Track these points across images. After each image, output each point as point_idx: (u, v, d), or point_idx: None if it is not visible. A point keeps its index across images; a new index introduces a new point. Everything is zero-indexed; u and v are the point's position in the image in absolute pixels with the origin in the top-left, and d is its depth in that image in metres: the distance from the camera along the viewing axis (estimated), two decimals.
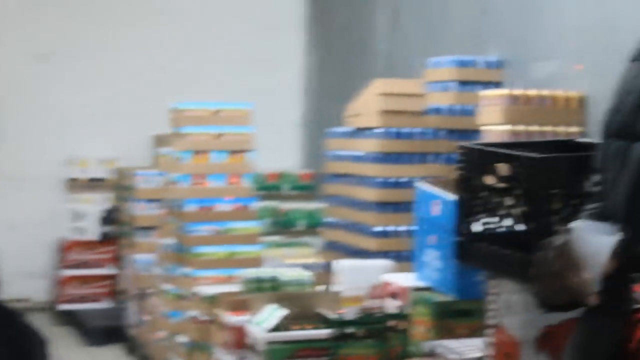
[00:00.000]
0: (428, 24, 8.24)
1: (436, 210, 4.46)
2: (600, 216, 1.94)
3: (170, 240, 7.47)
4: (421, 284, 4.58)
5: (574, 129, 6.14)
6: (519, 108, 6.13)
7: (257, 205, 7.50)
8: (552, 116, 6.16)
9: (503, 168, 2.94)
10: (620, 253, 1.79)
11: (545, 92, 6.24)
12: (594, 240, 1.78)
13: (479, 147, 3.06)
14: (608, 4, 5.98)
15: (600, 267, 1.78)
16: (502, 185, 2.96)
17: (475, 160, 3.06)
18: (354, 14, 9.71)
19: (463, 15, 7.69)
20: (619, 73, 5.63)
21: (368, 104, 7.08)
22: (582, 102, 6.18)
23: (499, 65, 6.97)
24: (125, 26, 10.33)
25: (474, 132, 6.53)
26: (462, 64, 6.91)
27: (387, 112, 6.91)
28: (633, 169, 1.83)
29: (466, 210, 3.12)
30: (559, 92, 6.23)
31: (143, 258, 8.53)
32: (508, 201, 2.95)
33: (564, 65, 6.42)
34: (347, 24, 9.85)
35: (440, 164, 6.75)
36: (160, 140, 8.63)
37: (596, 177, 2.06)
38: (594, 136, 6.24)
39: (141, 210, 8.89)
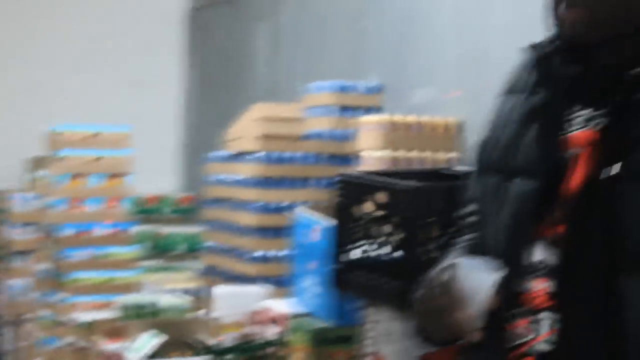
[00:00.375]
0: (308, 49, 8.26)
1: (315, 236, 4.44)
2: (479, 249, 1.94)
3: (46, 265, 7.32)
4: (300, 310, 4.56)
5: (452, 155, 6.20)
6: (398, 134, 6.16)
7: (135, 229, 7.40)
8: (430, 142, 6.20)
9: (380, 196, 2.95)
10: (502, 290, 1.79)
11: (424, 118, 6.29)
12: (476, 277, 1.78)
13: (356, 175, 3.06)
14: (484, 32, 6.07)
15: (483, 304, 1.78)
16: (379, 213, 2.96)
17: (353, 188, 3.06)
18: (234, 38, 9.69)
19: (343, 41, 7.73)
20: (494, 100, 5.74)
21: (248, 128, 7.05)
22: (459, 128, 6.25)
23: (378, 90, 7.00)
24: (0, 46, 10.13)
25: (353, 157, 6.55)
26: (342, 89, 6.93)
27: (266, 137, 6.89)
28: (511, 206, 1.83)
29: (344, 237, 3.12)
30: (438, 118, 6.28)
31: (19, 283, 8.33)
32: (386, 229, 2.95)
33: (442, 92, 6.48)
34: (228, 48, 9.82)
35: (321, 188, 6.75)
36: (37, 163, 8.45)
37: (472, 207, 2.06)
38: (472, 163, 6.38)
39: (17, 235, 8.69)
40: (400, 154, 6.11)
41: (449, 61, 6.40)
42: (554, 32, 1.79)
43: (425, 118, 6.28)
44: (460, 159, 6.22)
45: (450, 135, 6.24)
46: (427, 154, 6.16)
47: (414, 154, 6.14)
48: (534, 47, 1.88)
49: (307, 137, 6.98)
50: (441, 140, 6.22)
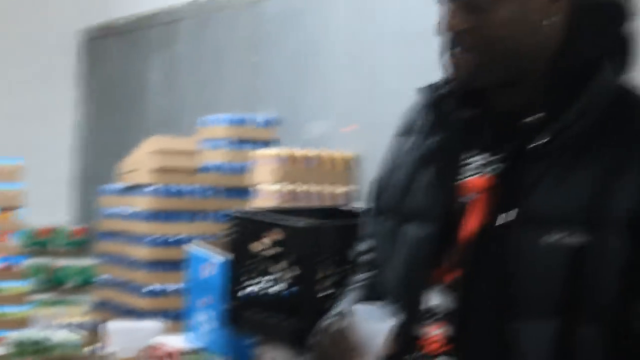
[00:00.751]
0: (203, 81, 8.22)
1: (210, 271, 4.39)
2: (375, 290, 1.92)
3: None
4: (195, 345, 4.50)
5: (348, 188, 6.21)
6: (292, 167, 6.15)
7: (26, 263, 7.23)
8: (325, 175, 6.20)
9: (275, 234, 2.92)
10: (398, 335, 1.77)
11: (319, 151, 6.29)
12: (372, 323, 1.75)
13: (252, 212, 3.03)
14: (378, 66, 6.10)
15: (380, 350, 1.75)
16: (274, 250, 2.93)
17: (249, 225, 3.03)
18: (129, 69, 9.59)
19: (237, 74, 7.71)
20: (386, 134, 5.77)
21: (142, 161, 6.96)
22: (355, 161, 6.26)
23: (272, 123, 6.99)
24: None
25: (248, 191, 6.51)
26: (236, 122, 6.90)
27: (160, 170, 6.81)
28: (406, 250, 1.81)
29: (239, 274, 3.09)
30: (333, 152, 6.29)
31: None
32: (281, 266, 2.93)
33: (337, 125, 6.49)
34: (122, 79, 9.72)
35: (215, 222, 6.69)
36: None
37: (367, 245, 2.04)
38: (368, 201, 6.39)
39: None
40: (296, 187, 6.10)
41: (344, 94, 6.42)
42: (449, 74, 1.78)
43: (320, 151, 6.29)
44: (356, 192, 6.24)
45: (346, 168, 6.24)
46: (323, 188, 6.16)
47: (309, 187, 6.13)
48: (429, 88, 1.86)
49: (202, 170, 6.92)
50: (337, 173, 6.22)
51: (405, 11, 5.72)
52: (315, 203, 6.13)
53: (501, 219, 1.66)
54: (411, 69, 5.68)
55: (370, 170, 6.25)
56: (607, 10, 1.73)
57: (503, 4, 1.64)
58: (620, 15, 1.73)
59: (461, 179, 1.76)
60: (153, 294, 6.70)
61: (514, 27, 1.65)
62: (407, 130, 1.95)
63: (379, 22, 6.06)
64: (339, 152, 6.27)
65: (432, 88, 1.86)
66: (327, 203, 6.09)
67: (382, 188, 1.94)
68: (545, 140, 1.64)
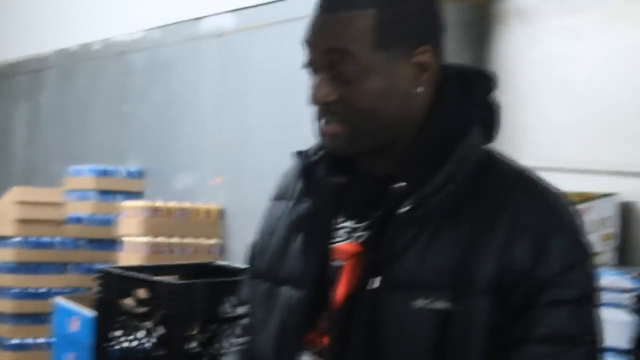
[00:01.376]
0: (68, 131, 8.11)
1: (75, 326, 4.31)
2: (248, 356, 1.92)
3: None
4: None
5: (213, 241, 6.19)
6: (159, 219, 6.10)
7: None
8: (192, 228, 6.17)
9: (142, 292, 2.89)
10: None
11: (185, 203, 6.26)
12: None
13: (118, 269, 2.99)
14: (244, 120, 6.11)
15: None
16: (141, 309, 2.90)
17: (115, 283, 2.99)
18: None
19: (104, 124, 7.63)
20: (253, 187, 5.78)
21: (5, 212, 6.81)
22: (220, 214, 6.25)
23: (139, 175, 6.93)
24: None
25: (114, 243, 6.43)
26: (103, 173, 6.82)
27: (24, 221, 6.68)
28: (278, 314, 1.81)
29: (105, 331, 3.03)
30: (199, 204, 6.26)
31: None
32: (147, 325, 2.89)
33: (203, 178, 6.47)
34: None
35: (81, 274, 6.58)
36: None
37: (243, 309, 2.03)
38: (233, 248, 6.39)
39: None
40: (162, 240, 6.05)
41: (210, 147, 6.41)
42: (320, 142, 1.79)
43: (186, 204, 6.26)
44: (221, 245, 6.21)
45: (212, 221, 6.22)
46: (189, 240, 6.12)
47: (175, 240, 6.08)
48: (301, 154, 1.88)
49: (68, 221, 6.80)
50: (203, 226, 6.19)
51: (276, 63, 5.76)
52: (183, 255, 6.09)
53: (370, 285, 1.67)
54: (280, 122, 5.71)
55: (237, 224, 6.30)
56: (474, 80, 1.77)
57: (371, 76, 1.66)
58: (486, 84, 1.78)
59: (332, 244, 1.78)
60: (16, 347, 6.54)
61: (382, 98, 1.67)
62: (280, 195, 1.96)
63: (248, 74, 6.08)
64: (205, 205, 6.25)
65: (305, 154, 1.87)
66: (195, 256, 6.06)
67: (257, 251, 1.94)
68: (412, 206, 1.66)
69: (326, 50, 1.67)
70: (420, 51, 1.69)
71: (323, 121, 1.72)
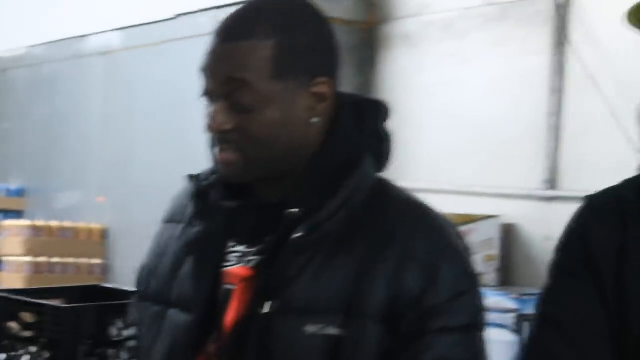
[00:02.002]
0: None
1: None
2: None
3: None
4: None
5: (96, 261, 6.11)
6: (40, 239, 6.01)
7: None
8: (74, 248, 6.09)
9: (26, 316, 2.83)
10: None
11: (67, 223, 6.17)
12: None
13: (2, 293, 2.93)
14: (129, 139, 6.06)
15: None
16: (26, 333, 2.84)
17: (1, 305, 2.92)
18: None
19: None
20: (137, 207, 5.72)
21: None
22: (104, 233, 6.18)
23: (20, 193, 6.81)
24: None
25: None
26: None
27: None
28: (166, 337, 1.80)
29: None
30: (82, 224, 6.19)
31: None
32: (32, 349, 2.83)
33: (87, 196, 6.39)
34: None
35: None
36: None
37: (132, 331, 2.01)
38: (117, 268, 6.31)
39: None
40: (43, 259, 5.95)
41: (95, 166, 6.33)
42: (216, 168, 1.79)
43: (69, 223, 6.17)
44: (105, 265, 6.14)
45: (95, 241, 6.14)
46: (71, 260, 6.03)
47: (57, 259, 5.99)
48: (193, 178, 1.87)
49: None
50: (85, 246, 6.11)
51: (162, 83, 5.72)
52: (64, 276, 6.00)
53: (261, 310, 1.68)
54: (165, 142, 5.67)
55: (121, 243, 6.22)
56: (368, 110, 1.79)
57: (269, 106, 1.66)
58: (380, 114, 1.80)
59: (223, 268, 1.77)
60: None
61: (278, 127, 1.67)
62: (171, 218, 1.94)
63: (134, 93, 6.03)
64: (87, 224, 6.18)
65: (198, 177, 1.86)
66: (77, 276, 5.97)
67: (147, 274, 1.92)
68: (305, 232, 1.67)
69: (224, 80, 1.67)
70: (317, 82, 1.69)
71: (218, 148, 1.72)
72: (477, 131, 4.53)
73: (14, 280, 5.90)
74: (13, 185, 6.86)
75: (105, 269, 6.15)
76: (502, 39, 4.48)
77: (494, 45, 4.52)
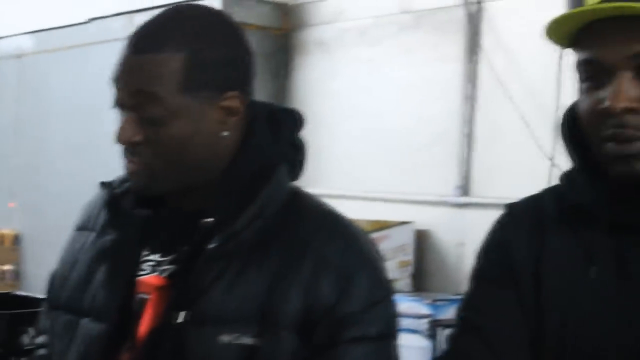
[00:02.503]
0: None
1: None
2: None
3: None
4: None
5: (7, 267, 6.02)
6: None
7: None
8: None
9: None
10: None
11: None
12: None
13: None
14: (44, 142, 5.98)
15: None
16: None
17: None
18: None
19: None
20: (50, 212, 5.65)
21: None
22: (16, 239, 6.08)
23: None
24: None
25: None
26: None
27: None
28: (78, 347, 1.78)
29: None
30: None
31: None
32: None
33: None
34: None
35: None
36: None
37: (41, 339, 1.97)
38: (29, 274, 6.21)
39: None
40: None
41: (6, 171, 6.23)
42: (127, 178, 1.77)
43: None
44: (17, 271, 6.05)
45: (7, 246, 6.05)
46: None
47: None
48: (105, 185, 1.84)
49: None
50: (2, 251, 6.01)
51: (75, 87, 5.64)
52: None
53: (175, 319, 1.66)
54: (79, 146, 5.60)
55: (34, 249, 6.12)
56: (282, 119, 1.79)
57: (177, 120, 1.64)
58: (294, 123, 1.80)
59: (137, 277, 1.75)
60: None
61: (187, 142, 1.66)
62: (82, 226, 1.91)
63: (47, 96, 5.94)
64: (1, 230, 6.08)
65: (110, 185, 1.84)
66: None
67: (58, 282, 1.90)
68: (219, 243, 1.66)
69: (134, 92, 1.65)
70: (227, 96, 1.69)
71: (128, 160, 1.70)
72: (391, 138, 4.54)
73: None
74: None
75: (16, 275, 6.05)
76: (415, 46, 4.50)
77: (408, 52, 4.54)
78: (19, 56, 6.19)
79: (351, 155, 4.70)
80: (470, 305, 1.69)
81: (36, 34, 6.06)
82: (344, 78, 4.78)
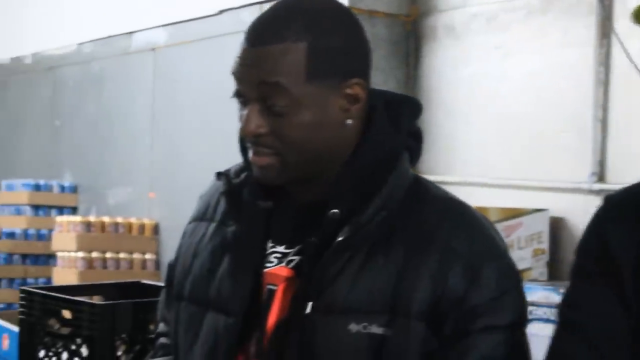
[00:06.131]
0: (1, 146, 7.95)
1: (5, 344, 4.21)
2: None
3: None
4: None
5: (148, 256, 6.11)
6: (93, 234, 6.01)
7: None
8: (126, 243, 6.09)
9: (66, 313, 2.80)
10: None
11: (119, 219, 6.18)
12: None
13: (41, 291, 2.90)
14: (177, 136, 6.06)
15: None
16: (66, 330, 2.81)
17: (38, 303, 2.89)
18: None
19: (37, 139, 7.50)
20: (187, 202, 5.70)
21: None
22: (155, 229, 6.18)
23: (73, 190, 6.83)
24: None
25: (49, 257, 6.34)
26: (36, 188, 6.70)
27: None
28: (205, 340, 1.76)
29: (29, 353, 2.94)
30: (133, 219, 6.19)
31: None
32: (71, 346, 2.80)
33: (136, 192, 6.40)
34: None
35: (15, 289, 6.46)
36: None
37: (163, 328, 1.96)
38: (167, 263, 6.29)
39: None
40: (96, 255, 5.96)
41: (144, 162, 6.33)
42: (251, 173, 1.74)
43: (120, 219, 6.18)
44: (156, 260, 6.15)
45: (147, 236, 6.14)
46: (123, 255, 6.05)
47: (109, 255, 6.01)
48: (222, 175, 1.82)
49: (2, 236, 6.68)
50: (137, 241, 6.10)
51: (207, 78, 5.70)
52: (117, 271, 6.02)
53: (304, 309, 1.64)
54: (212, 136, 5.64)
55: (172, 239, 6.19)
56: (400, 107, 1.74)
57: (302, 109, 1.61)
58: (412, 111, 1.75)
59: (263, 269, 1.73)
60: None
61: (313, 130, 1.63)
62: (201, 216, 1.88)
63: (181, 88, 6.01)
64: (139, 219, 6.19)
65: (229, 175, 1.81)
66: (130, 271, 5.99)
67: (180, 273, 1.88)
68: (348, 235, 1.63)
69: (257, 83, 1.62)
70: (350, 84, 1.64)
71: (252, 151, 1.67)
72: (522, 124, 4.44)
73: (68, 275, 5.91)
74: (65, 182, 6.89)
75: (156, 264, 6.15)
76: (544, 31, 4.39)
77: (537, 37, 4.43)
78: (152, 49, 6.28)
79: (483, 142, 4.61)
80: (570, 303, 1.61)
81: (169, 26, 6.12)
82: (473, 64, 4.69)
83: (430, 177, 1.81)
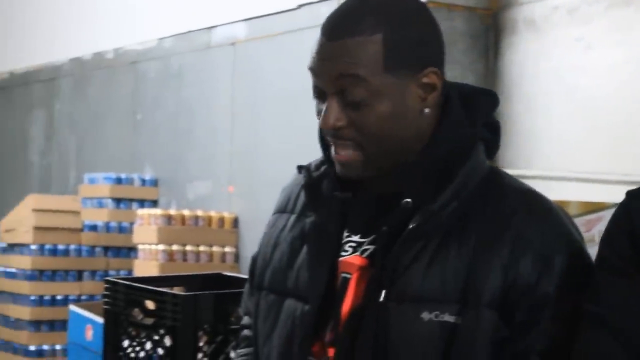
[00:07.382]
0: (83, 139, 8.11)
1: (89, 334, 4.32)
2: None
3: None
4: None
5: (228, 249, 6.18)
6: (173, 227, 6.10)
7: None
8: (206, 236, 6.17)
9: (149, 303, 2.88)
10: None
11: (199, 212, 6.25)
12: None
13: (125, 282, 2.98)
14: (256, 129, 6.11)
15: None
16: (148, 320, 2.88)
17: (122, 294, 2.97)
18: (8, 124, 9.42)
19: (118, 132, 7.62)
20: (266, 196, 5.77)
21: (22, 220, 6.82)
22: (234, 222, 6.24)
23: (154, 183, 6.94)
24: None
25: (130, 250, 6.44)
26: (118, 181, 6.82)
27: (41, 228, 6.68)
28: (283, 327, 1.81)
29: (114, 342, 3.02)
30: (213, 213, 6.26)
31: None
32: (154, 336, 2.87)
33: (216, 186, 6.47)
34: (2, 136, 9.54)
35: (97, 281, 6.59)
36: None
37: (246, 320, 2.03)
38: (248, 257, 6.34)
39: None
40: (176, 247, 6.05)
41: (223, 156, 6.40)
42: (334, 168, 1.79)
43: (200, 212, 6.25)
44: (236, 253, 6.21)
45: (226, 229, 6.21)
46: (203, 248, 6.12)
47: (189, 247, 6.09)
48: (303, 168, 1.87)
49: (82, 229, 6.81)
50: (217, 234, 6.18)
51: (287, 72, 5.74)
52: (197, 264, 6.10)
53: (378, 297, 1.68)
54: (292, 130, 5.70)
55: (251, 232, 6.27)
56: (477, 99, 1.77)
57: (381, 100, 1.65)
58: (488, 103, 1.78)
59: (339, 258, 1.78)
60: (34, 354, 6.55)
61: (392, 121, 1.67)
62: (282, 208, 1.94)
63: (260, 82, 6.07)
64: (218, 213, 6.26)
65: (309, 168, 1.86)
66: (210, 264, 6.06)
67: (260, 264, 1.94)
68: (419, 223, 1.66)
69: (336, 76, 1.67)
70: (426, 73, 1.69)
71: (334, 147, 1.72)
72: (602, 117, 4.42)
73: (149, 268, 6.02)
74: (146, 175, 6.99)
75: (236, 257, 6.22)
76: (626, 23, 4.36)
77: (618, 30, 4.40)
78: (232, 44, 6.34)
79: (564, 136, 4.60)
80: (596, 298, 1.62)
81: (249, 21, 6.19)
82: (554, 58, 4.68)
83: (511, 171, 1.85)
